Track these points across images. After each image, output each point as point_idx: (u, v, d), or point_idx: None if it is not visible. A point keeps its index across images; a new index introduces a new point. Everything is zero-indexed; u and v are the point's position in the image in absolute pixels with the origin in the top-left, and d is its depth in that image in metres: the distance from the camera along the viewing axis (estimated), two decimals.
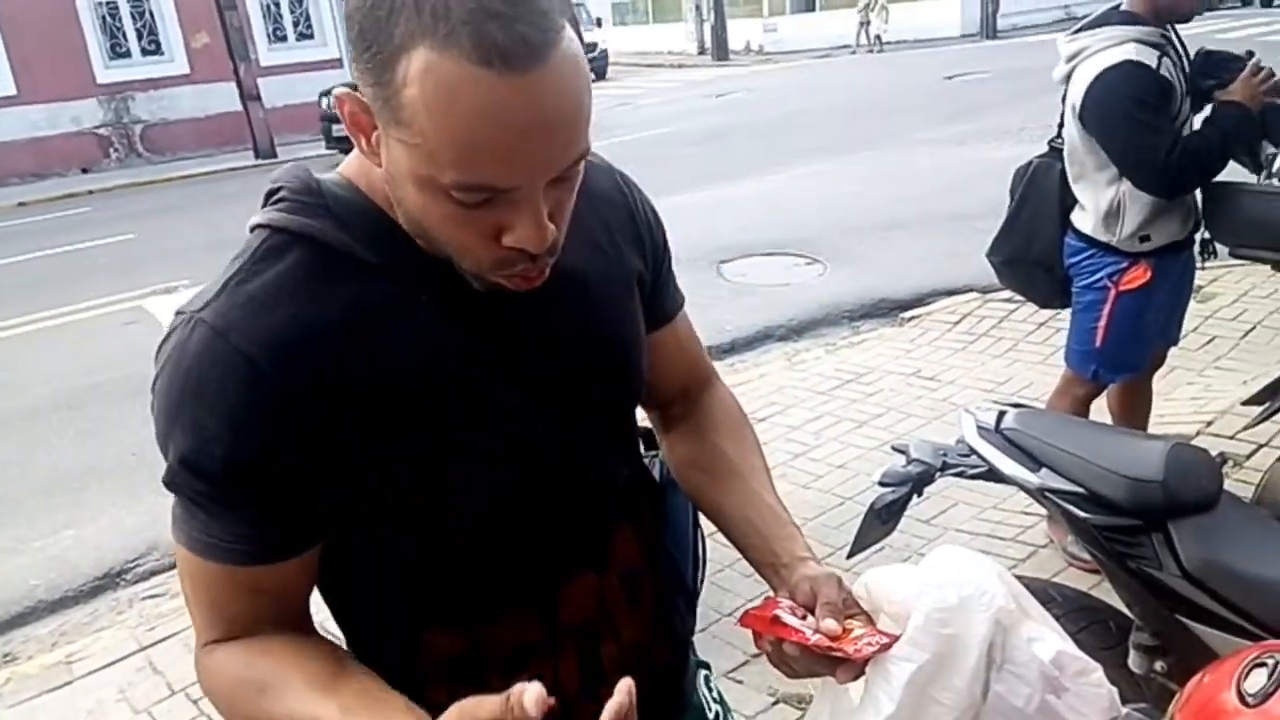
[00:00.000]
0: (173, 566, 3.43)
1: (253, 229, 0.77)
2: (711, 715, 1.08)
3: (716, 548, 3.19)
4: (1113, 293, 2.46)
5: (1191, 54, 2.41)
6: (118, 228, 9.79)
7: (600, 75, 21.65)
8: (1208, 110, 2.38)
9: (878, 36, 22.06)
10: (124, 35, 15.33)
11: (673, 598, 1.02)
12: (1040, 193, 2.56)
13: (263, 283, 0.73)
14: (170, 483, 0.75)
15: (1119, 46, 2.27)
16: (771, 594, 0.88)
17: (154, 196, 12.01)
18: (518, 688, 0.64)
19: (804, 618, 0.82)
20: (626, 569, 0.91)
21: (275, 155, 14.32)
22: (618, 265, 0.90)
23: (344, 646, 0.86)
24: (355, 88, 0.69)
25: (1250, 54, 2.35)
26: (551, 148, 0.65)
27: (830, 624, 0.79)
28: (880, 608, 0.87)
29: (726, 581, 2.74)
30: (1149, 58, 2.25)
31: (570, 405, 0.84)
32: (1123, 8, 2.36)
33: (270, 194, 0.79)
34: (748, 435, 1.03)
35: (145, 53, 15.54)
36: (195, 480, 0.73)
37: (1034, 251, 2.60)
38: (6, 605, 3.21)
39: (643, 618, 0.94)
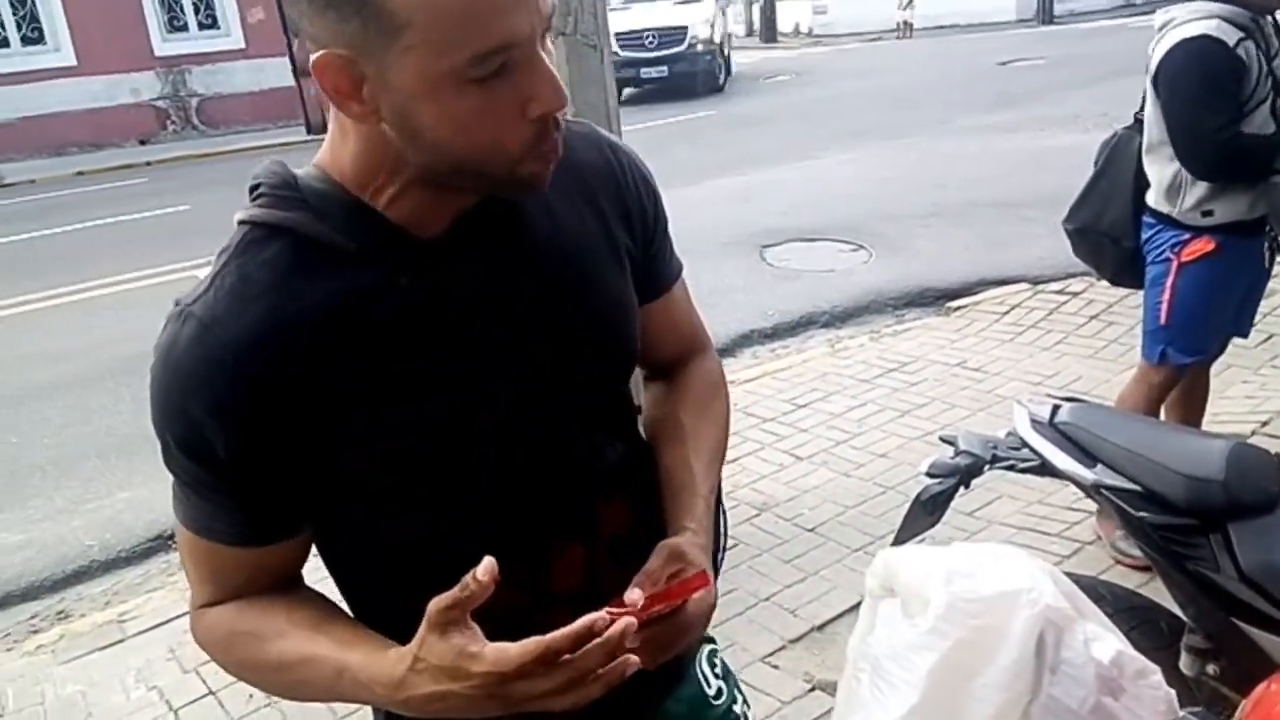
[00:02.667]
0: None
1: (238, 224, 0.80)
2: (712, 691, 1.04)
3: (756, 532, 3.18)
4: (1175, 264, 2.45)
5: None
6: (172, 199, 9.98)
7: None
8: None
9: (907, 23, 21.79)
10: (181, 9, 15.57)
11: None
12: (1119, 164, 2.58)
13: (243, 276, 0.76)
14: (167, 465, 0.80)
15: (1202, 20, 2.27)
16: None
17: (208, 169, 12.20)
18: (470, 573, 0.67)
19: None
20: (617, 540, 0.91)
21: (326, 130, 14.40)
22: (604, 238, 0.89)
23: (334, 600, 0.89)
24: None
25: None
26: None
27: (633, 593, 0.78)
28: (895, 588, 0.86)
29: (764, 566, 2.74)
30: (1229, 35, 2.24)
31: (558, 379, 0.84)
32: None
33: (252, 189, 0.81)
34: (712, 409, 1.02)
35: (202, 27, 15.77)
36: (190, 465, 0.77)
37: (1105, 222, 2.60)
38: (62, 564, 3.32)
39: None
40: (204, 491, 0.78)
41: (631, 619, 0.68)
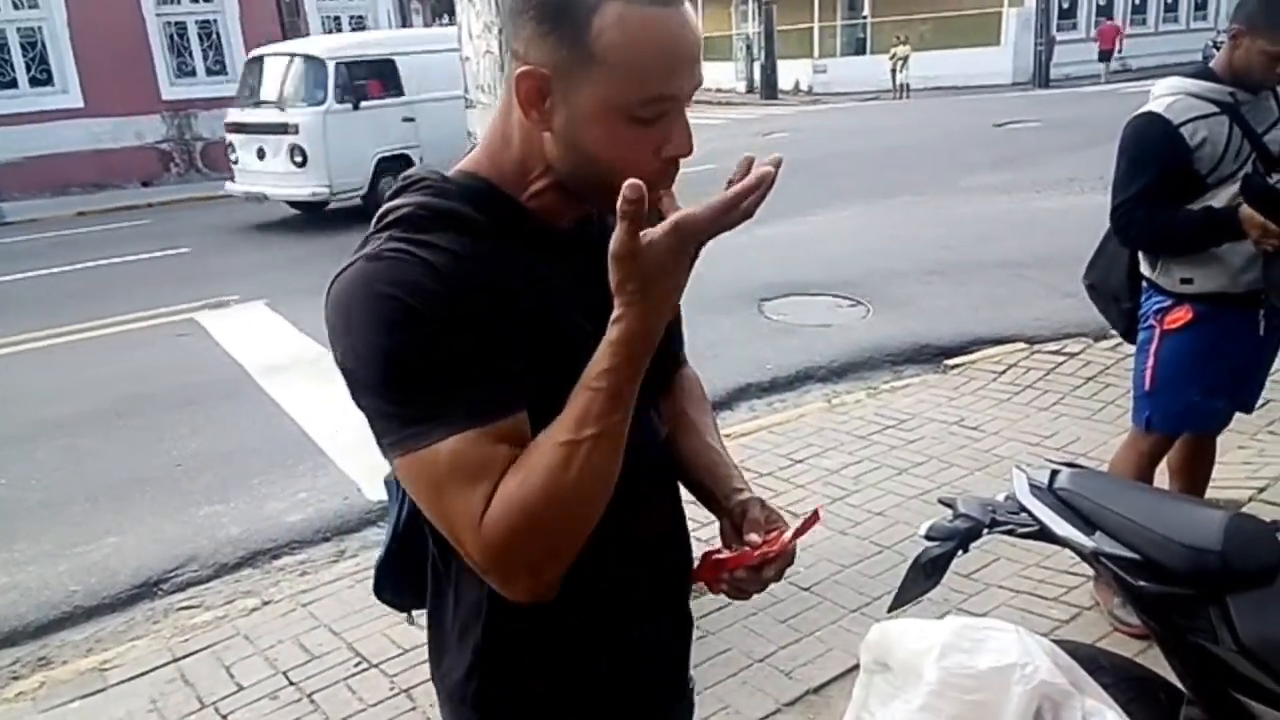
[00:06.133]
0: (210, 579, 3.45)
1: (409, 206, 0.91)
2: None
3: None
4: (1158, 331, 2.48)
5: None
6: (172, 241, 10.04)
7: None
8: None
9: (904, 85, 22.37)
10: (190, 55, 15.82)
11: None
12: None
13: (415, 239, 0.87)
14: (442, 377, 0.84)
15: (1162, 98, 2.38)
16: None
17: (210, 212, 12.30)
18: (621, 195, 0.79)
19: (733, 548, 1.00)
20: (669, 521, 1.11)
21: None
22: None
23: None
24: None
25: None
26: (698, 63, 0.87)
27: (752, 537, 0.99)
28: (889, 662, 0.85)
29: (759, 626, 2.70)
30: (1183, 114, 2.29)
31: None
32: (1212, 64, 2.40)
33: (406, 182, 0.95)
34: (706, 404, 1.23)
35: (210, 72, 16.01)
36: (470, 347, 0.84)
37: (1110, 282, 2.67)
38: (45, 609, 3.27)
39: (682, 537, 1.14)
40: (486, 370, 0.85)
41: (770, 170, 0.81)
